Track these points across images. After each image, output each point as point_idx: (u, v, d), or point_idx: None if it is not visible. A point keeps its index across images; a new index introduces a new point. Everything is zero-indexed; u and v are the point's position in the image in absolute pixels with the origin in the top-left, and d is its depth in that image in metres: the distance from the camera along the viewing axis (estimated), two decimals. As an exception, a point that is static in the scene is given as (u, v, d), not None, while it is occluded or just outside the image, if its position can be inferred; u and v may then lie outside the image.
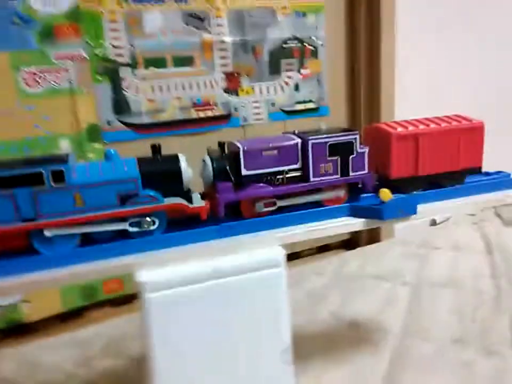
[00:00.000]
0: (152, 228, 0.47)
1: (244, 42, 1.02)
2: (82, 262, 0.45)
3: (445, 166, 0.59)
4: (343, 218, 0.53)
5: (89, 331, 0.90)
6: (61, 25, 0.86)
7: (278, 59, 1.07)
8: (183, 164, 0.49)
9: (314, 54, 1.12)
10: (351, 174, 0.54)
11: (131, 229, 0.47)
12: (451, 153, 0.59)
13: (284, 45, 1.07)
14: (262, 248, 0.47)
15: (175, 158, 0.49)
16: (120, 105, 0.93)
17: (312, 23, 1.09)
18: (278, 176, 0.52)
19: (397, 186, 0.56)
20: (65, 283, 0.46)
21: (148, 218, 0.47)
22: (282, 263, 0.47)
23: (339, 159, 0.53)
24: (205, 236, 0.48)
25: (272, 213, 0.52)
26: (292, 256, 1.26)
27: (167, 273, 0.43)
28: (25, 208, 0.43)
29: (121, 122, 0.94)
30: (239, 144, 0.51)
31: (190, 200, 0.49)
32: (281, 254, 0.47)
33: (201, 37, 0.97)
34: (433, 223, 1.34)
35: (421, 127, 0.58)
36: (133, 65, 0.93)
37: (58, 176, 0.43)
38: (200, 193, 0.52)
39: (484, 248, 1.13)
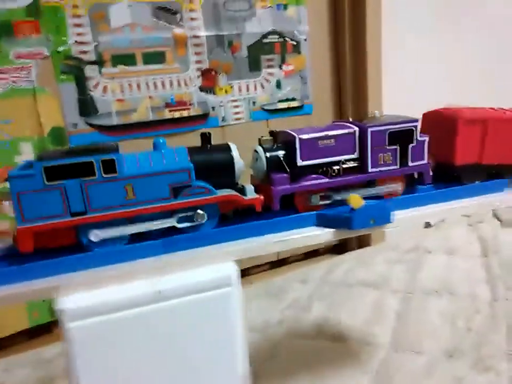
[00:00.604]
0: (203, 221, 0.44)
1: (220, 37, 0.96)
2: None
3: (508, 157, 0.55)
4: (308, 229, 0.47)
5: (56, 348, 0.85)
6: (20, 21, 0.80)
7: (257, 55, 1.01)
8: (235, 153, 0.46)
9: (297, 49, 1.06)
10: (410, 164, 0.51)
11: (180, 225, 0.44)
12: None
13: (264, 40, 1.01)
14: (212, 265, 0.41)
15: (226, 148, 0.46)
16: (87, 106, 0.87)
17: (293, 16, 1.03)
18: (334, 167, 0.49)
19: (459, 175, 0.54)
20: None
21: (200, 211, 0.44)
22: (234, 281, 0.41)
23: (398, 148, 0.50)
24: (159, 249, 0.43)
25: (227, 224, 0.46)
26: (278, 264, 1.21)
27: (93, 298, 0.37)
28: (75, 201, 0.40)
29: (89, 124, 0.88)
30: (294, 133, 0.47)
31: (242, 192, 0.46)
32: (232, 271, 0.41)
33: (173, 32, 0.92)
34: (428, 225, 1.27)
35: (486, 113, 0.54)
36: (100, 63, 0.87)
37: (110, 166, 0.40)
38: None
39: (479, 251, 1.07)
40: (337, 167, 0.49)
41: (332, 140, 0.48)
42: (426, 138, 0.51)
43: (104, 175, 0.40)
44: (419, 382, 0.67)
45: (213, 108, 0.99)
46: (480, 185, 0.54)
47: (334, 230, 0.46)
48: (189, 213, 0.44)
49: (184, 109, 0.95)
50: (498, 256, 1.01)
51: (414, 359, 0.72)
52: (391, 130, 0.49)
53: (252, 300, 0.98)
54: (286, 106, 1.07)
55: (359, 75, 1.11)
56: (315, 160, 0.48)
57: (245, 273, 1.16)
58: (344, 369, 0.71)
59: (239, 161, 0.46)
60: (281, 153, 0.48)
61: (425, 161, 0.52)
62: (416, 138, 0.51)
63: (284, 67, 1.05)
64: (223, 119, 1.00)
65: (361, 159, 0.50)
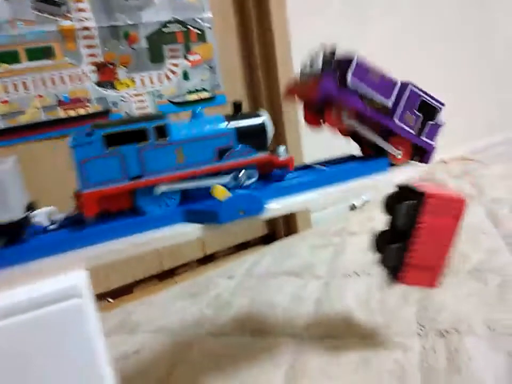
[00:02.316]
0: (248, 182, 0.48)
1: (114, 28, 0.91)
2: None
3: None
4: (176, 226, 0.44)
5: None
6: None
7: (158, 45, 0.96)
8: (266, 119, 0.50)
9: (202, 37, 1.02)
10: (422, 137, 0.56)
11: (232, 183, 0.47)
12: None
13: (164, 29, 0.96)
14: (58, 275, 0.37)
15: (258, 114, 0.50)
16: (-34, 110, 0.80)
17: (195, 3, 0.99)
18: (370, 98, 0.52)
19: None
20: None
21: (243, 171, 0.48)
22: (84, 291, 0.37)
23: (421, 118, 0.55)
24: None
25: (77, 228, 0.42)
26: (205, 260, 1.17)
27: None
28: (132, 166, 0.43)
29: (-30, 130, 0.80)
30: (353, 55, 0.51)
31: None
32: (79, 280, 0.37)
33: (59, 25, 0.85)
34: (353, 207, 1.28)
35: None
36: (-23, 62, 0.79)
37: (161, 131, 0.43)
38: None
39: (399, 229, 1.08)
40: (372, 101, 0.52)
41: (379, 77, 0.52)
42: (443, 126, 0.56)
43: (157, 140, 0.43)
44: (330, 370, 0.65)
45: (115, 104, 0.93)
46: (363, 165, 0.53)
47: (203, 225, 0.43)
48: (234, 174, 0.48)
49: (80, 107, 0.89)
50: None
51: (328, 344, 0.71)
52: (423, 99, 0.54)
53: (173, 301, 0.94)
54: (196, 98, 1.03)
55: (269, 60, 1.09)
56: (361, 84, 0.51)
57: (170, 273, 1.12)
58: (258, 364, 0.69)
59: (270, 126, 0.50)
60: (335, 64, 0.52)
61: (433, 143, 0.56)
62: (437, 119, 0.55)
63: (190, 57, 1.01)
64: (127, 115, 0.95)
65: (393, 107, 0.53)
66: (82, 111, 0.89)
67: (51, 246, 0.40)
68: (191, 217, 0.43)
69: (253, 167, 0.48)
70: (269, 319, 0.81)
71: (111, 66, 0.91)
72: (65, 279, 0.37)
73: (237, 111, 0.50)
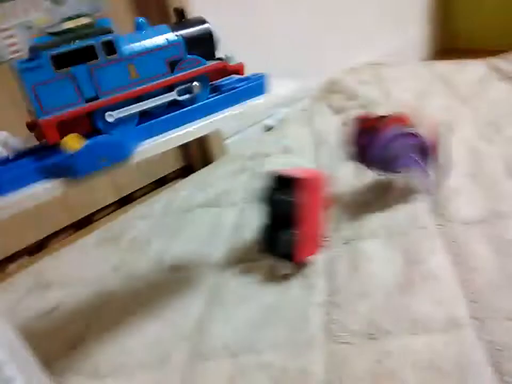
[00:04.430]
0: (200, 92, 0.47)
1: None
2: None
3: None
4: (37, 184, 0.39)
5: None
6: None
7: (16, -33, 0.82)
8: (211, 25, 0.48)
9: (68, -47, 0.87)
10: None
11: (181, 98, 0.46)
12: None
13: None
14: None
15: (202, 21, 0.48)
16: None
17: None
18: None
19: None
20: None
21: (196, 83, 0.47)
22: None
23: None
24: None
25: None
26: (123, 202, 1.13)
27: None
28: (86, 87, 0.41)
29: None
30: None
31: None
32: None
33: None
34: (268, 128, 1.26)
35: None
36: None
37: (110, 47, 0.42)
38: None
39: (312, 145, 1.09)
40: None
41: None
42: None
43: (107, 57, 0.42)
44: (245, 292, 0.67)
45: (-23, 45, 0.80)
46: (240, 91, 0.49)
47: (62, 180, 0.39)
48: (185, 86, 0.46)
49: None
50: (327, 147, 1.04)
51: (243, 269, 0.72)
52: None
53: (89, 251, 0.91)
54: (74, 25, 0.91)
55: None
56: None
57: (88, 221, 1.07)
58: (178, 298, 0.69)
59: (216, 32, 0.48)
60: None
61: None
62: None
63: (59, -22, 0.87)
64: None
65: None
66: None
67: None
68: (50, 173, 0.39)
69: (205, 77, 0.47)
70: (186, 253, 0.81)
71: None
72: None
73: (180, 19, 0.48)
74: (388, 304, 0.58)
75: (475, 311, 0.53)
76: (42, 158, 0.40)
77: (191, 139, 0.44)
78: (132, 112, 0.43)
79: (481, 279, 0.58)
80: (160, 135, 0.43)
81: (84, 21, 0.97)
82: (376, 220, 0.74)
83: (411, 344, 0.51)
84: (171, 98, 0.46)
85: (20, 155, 0.42)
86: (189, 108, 0.46)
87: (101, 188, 1.07)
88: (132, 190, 1.14)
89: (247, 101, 0.48)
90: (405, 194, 0.77)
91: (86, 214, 1.06)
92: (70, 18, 0.93)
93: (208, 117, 0.46)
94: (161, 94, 0.45)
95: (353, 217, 0.76)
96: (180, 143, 0.43)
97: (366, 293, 0.60)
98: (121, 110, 0.43)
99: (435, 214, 0.72)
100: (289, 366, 0.53)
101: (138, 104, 0.44)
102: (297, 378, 0.52)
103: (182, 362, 0.57)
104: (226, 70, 0.48)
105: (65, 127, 0.40)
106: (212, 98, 0.47)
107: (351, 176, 0.86)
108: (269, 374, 0.53)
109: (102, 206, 1.09)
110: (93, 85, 0.42)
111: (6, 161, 0.40)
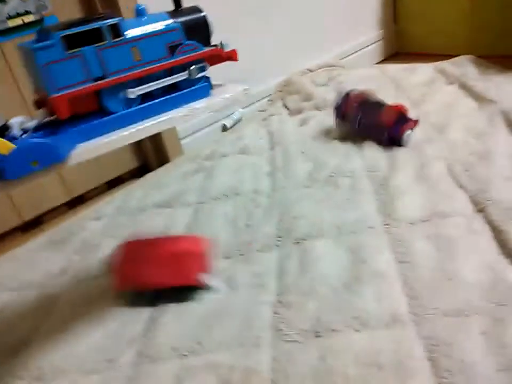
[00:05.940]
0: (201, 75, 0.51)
1: None
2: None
3: None
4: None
5: None
6: None
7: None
8: (206, 14, 0.51)
9: None
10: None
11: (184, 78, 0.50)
12: None
13: None
14: None
15: (198, 9, 0.52)
16: None
17: None
18: None
19: None
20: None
21: (195, 66, 0.50)
22: None
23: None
24: None
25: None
26: (74, 203, 1.10)
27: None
28: (94, 67, 0.44)
29: None
30: None
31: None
32: None
33: None
34: (225, 128, 1.26)
35: None
36: None
37: (116, 30, 0.45)
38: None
39: (268, 145, 1.09)
40: None
41: None
42: None
43: (113, 40, 0.44)
44: (200, 297, 0.67)
45: None
46: (186, 93, 0.49)
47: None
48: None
49: None
50: (282, 147, 1.05)
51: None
52: None
53: (38, 252, 0.88)
54: (20, 22, 0.88)
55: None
56: None
57: (36, 223, 1.04)
58: (126, 301, 0.68)
59: (210, 20, 0.52)
60: None
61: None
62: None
63: (2, -29, 0.84)
64: None
65: None
66: None
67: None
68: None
69: (202, 61, 0.50)
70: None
71: None
72: None
73: (178, 7, 0.51)
74: (335, 302, 0.59)
75: (415, 308, 0.56)
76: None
77: (130, 142, 0.43)
78: (151, 89, 0.48)
79: (422, 277, 0.60)
80: (98, 138, 0.43)
81: (29, 18, 0.95)
82: (326, 220, 0.76)
83: (354, 341, 0.53)
84: (181, 78, 0.50)
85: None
86: (129, 110, 0.45)
87: (51, 188, 1.04)
88: (84, 191, 1.11)
89: (190, 104, 0.48)
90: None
91: (35, 215, 1.03)
92: (14, 16, 0.90)
93: (147, 120, 0.46)
94: (162, 77, 0.49)
95: (305, 218, 0.77)
96: (119, 146, 0.42)
97: (314, 292, 0.61)
98: (141, 87, 0.47)
99: (383, 214, 0.75)
100: (236, 365, 0.53)
101: (156, 82, 0.48)
102: (245, 377, 0.52)
103: (128, 365, 0.57)
104: (221, 55, 0.52)
105: (75, 104, 0.43)
106: (151, 102, 0.47)
107: (306, 175, 0.87)
108: (217, 374, 0.53)
109: (53, 206, 1.05)
110: (100, 65, 0.44)
111: None
